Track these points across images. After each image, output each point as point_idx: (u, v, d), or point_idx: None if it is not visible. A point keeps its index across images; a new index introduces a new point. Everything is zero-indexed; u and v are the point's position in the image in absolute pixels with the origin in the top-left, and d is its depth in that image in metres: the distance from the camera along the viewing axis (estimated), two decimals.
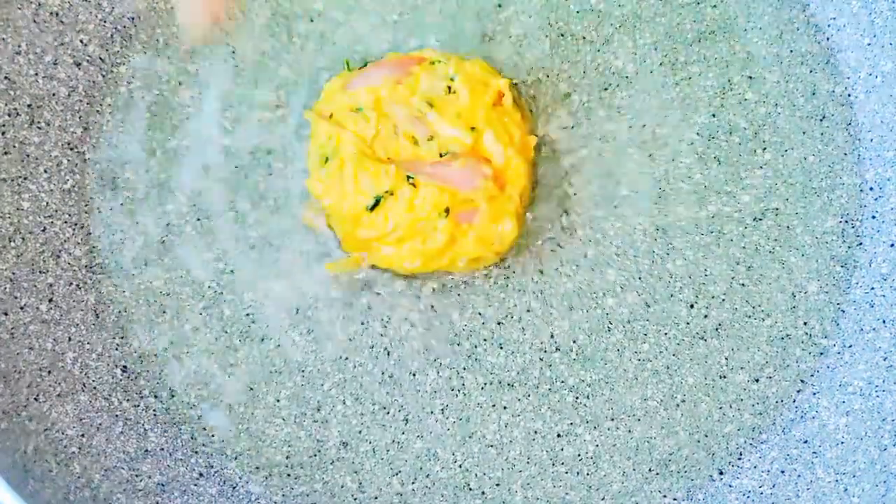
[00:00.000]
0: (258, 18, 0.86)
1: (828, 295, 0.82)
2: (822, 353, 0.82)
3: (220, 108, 0.85)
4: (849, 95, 0.85)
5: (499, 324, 0.81)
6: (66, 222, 0.82)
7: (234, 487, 0.80)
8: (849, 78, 0.85)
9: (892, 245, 0.82)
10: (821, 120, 0.85)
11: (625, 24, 0.85)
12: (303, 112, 0.83)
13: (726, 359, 0.81)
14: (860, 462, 0.77)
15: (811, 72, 0.85)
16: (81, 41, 0.84)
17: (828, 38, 0.86)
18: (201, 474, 0.80)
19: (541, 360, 0.81)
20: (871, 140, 0.84)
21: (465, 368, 0.81)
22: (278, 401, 0.81)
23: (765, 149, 0.84)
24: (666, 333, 0.81)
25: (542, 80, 0.84)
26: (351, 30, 0.86)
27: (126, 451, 0.78)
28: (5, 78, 0.80)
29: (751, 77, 0.84)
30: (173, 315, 0.82)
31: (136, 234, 0.83)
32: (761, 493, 0.79)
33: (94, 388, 0.79)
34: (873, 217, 0.83)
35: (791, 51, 0.85)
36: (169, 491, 0.78)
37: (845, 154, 0.84)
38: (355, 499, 0.80)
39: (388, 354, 0.81)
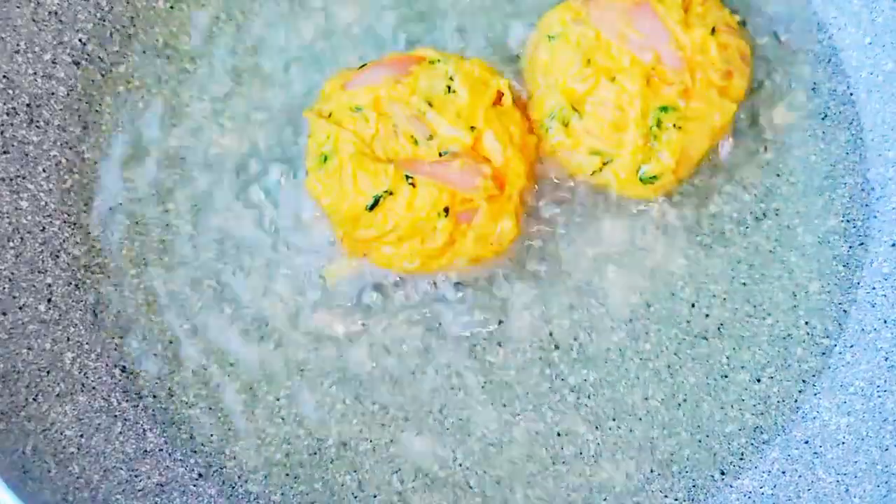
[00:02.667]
0: (256, 19, 0.86)
1: (829, 294, 0.82)
2: (823, 353, 0.81)
3: (220, 107, 0.85)
4: (850, 95, 0.85)
5: (500, 323, 0.81)
6: (65, 222, 0.82)
7: (233, 487, 0.79)
8: (850, 77, 0.85)
9: (893, 245, 0.82)
10: (822, 119, 0.84)
11: None
12: (302, 111, 0.83)
13: (728, 358, 0.81)
14: (861, 462, 0.77)
15: (813, 71, 0.85)
16: (80, 40, 0.84)
17: (829, 37, 0.86)
18: (200, 474, 0.79)
19: (541, 359, 0.81)
20: (873, 139, 0.84)
21: (465, 368, 0.80)
22: (278, 400, 0.80)
23: (766, 148, 0.84)
24: (667, 333, 0.81)
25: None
26: (353, 27, 0.86)
27: (125, 451, 0.78)
28: (4, 77, 0.80)
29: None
30: (172, 315, 0.81)
31: (135, 234, 0.83)
32: (762, 494, 0.79)
33: (93, 388, 0.79)
34: (875, 216, 0.83)
35: (792, 50, 0.85)
36: (168, 491, 0.78)
37: (847, 153, 0.84)
38: (355, 497, 0.79)
39: (388, 354, 0.81)
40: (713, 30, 0.80)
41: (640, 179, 0.80)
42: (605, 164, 0.80)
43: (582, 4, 0.82)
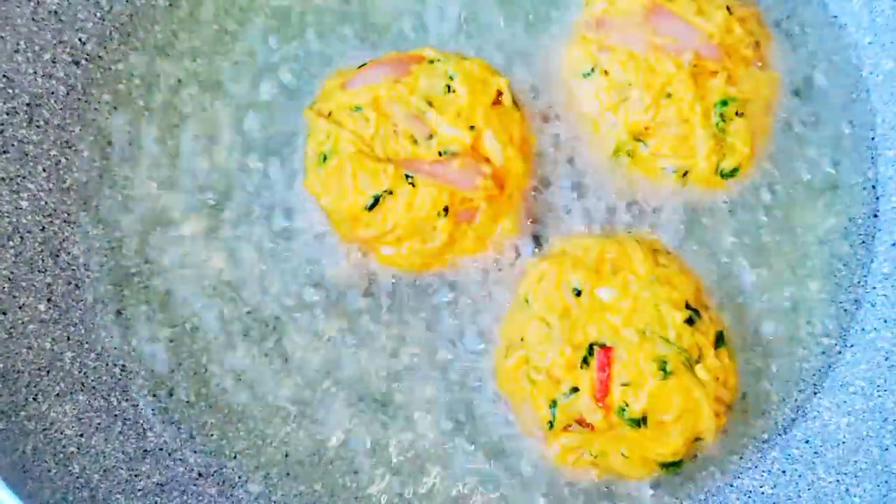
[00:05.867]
0: (257, 17, 0.86)
1: (830, 294, 0.82)
2: (823, 353, 0.81)
3: (219, 105, 0.85)
4: (852, 94, 0.85)
5: (503, 321, 0.81)
6: (64, 221, 0.82)
7: (233, 487, 0.79)
8: (851, 76, 0.85)
9: (894, 244, 0.82)
10: (824, 119, 0.84)
11: None
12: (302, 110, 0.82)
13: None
14: (861, 462, 0.77)
15: (815, 69, 0.85)
16: (80, 39, 0.84)
17: (830, 37, 0.86)
18: (200, 474, 0.79)
19: None
20: (874, 139, 0.84)
21: (467, 367, 0.80)
22: (278, 400, 0.80)
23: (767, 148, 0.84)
24: None
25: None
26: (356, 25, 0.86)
27: (125, 450, 0.78)
28: (4, 76, 0.80)
29: None
30: (172, 314, 0.81)
31: (135, 234, 0.82)
32: (762, 493, 0.79)
33: (93, 387, 0.79)
34: (876, 216, 0.83)
35: (794, 48, 0.85)
36: (168, 491, 0.78)
37: (848, 153, 0.84)
38: (355, 498, 0.79)
39: (389, 354, 0.80)
40: (728, 8, 0.80)
41: (722, 175, 0.80)
42: (684, 175, 0.80)
43: (596, 32, 0.82)
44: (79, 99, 0.83)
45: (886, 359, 0.79)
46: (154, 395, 0.80)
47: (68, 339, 0.79)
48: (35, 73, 0.82)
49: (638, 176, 0.82)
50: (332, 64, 0.85)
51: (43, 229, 0.81)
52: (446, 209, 0.76)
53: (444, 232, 0.77)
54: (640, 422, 0.73)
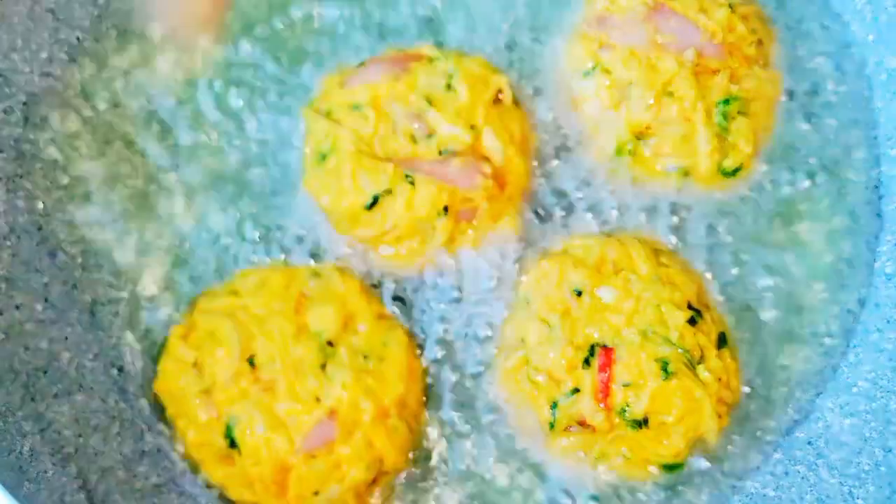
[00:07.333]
0: (255, 12, 0.86)
1: (833, 294, 0.82)
2: (826, 353, 0.81)
3: (218, 103, 0.84)
4: (855, 92, 0.85)
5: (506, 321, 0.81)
6: (61, 221, 0.81)
7: None
8: (854, 74, 0.85)
9: None
10: (827, 117, 0.84)
11: None
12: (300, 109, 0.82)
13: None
14: (864, 464, 0.76)
15: (817, 69, 0.85)
16: (77, 37, 0.84)
17: (833, 35, 0.85)
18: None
19: None
20: (876, 137, 0.84)
21: (465, 369, 0.80)
22: None
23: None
24: None
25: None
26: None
27: (123, 451, 0.77)
28: (1, 75, 0.80)
29: None
30: (170, 315, 0.81)
31: (134, 233, 0.82)
32: (765, 496, 0.78)
33: (91, 388, 0.79)
34: (879, 216, 0.83)
35: (796, 46, 0.85)
36: (166, 492, 0.77)
37: (852, 151, 0.84)
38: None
39: None
40: (731, 6, 0.80)
41: (724, 174, 0.80)
42: (686, 174, 0.80)
43: (597, 30, 0.81)
44: (76, 97, 0.83)
45: (890, 360, 0.79)
46: (152, 396, 0.80)
47: (66, 339, 0.79)
48: (32, 71, 0.81)
49: (639, 175, 0.82)
50: (331, 61, 0.84)
51: (40, 229, 0.80)
52: (446, 208, 0.76)
53: (444, 231, 0.77)
54: (641, 423, 0.72)
